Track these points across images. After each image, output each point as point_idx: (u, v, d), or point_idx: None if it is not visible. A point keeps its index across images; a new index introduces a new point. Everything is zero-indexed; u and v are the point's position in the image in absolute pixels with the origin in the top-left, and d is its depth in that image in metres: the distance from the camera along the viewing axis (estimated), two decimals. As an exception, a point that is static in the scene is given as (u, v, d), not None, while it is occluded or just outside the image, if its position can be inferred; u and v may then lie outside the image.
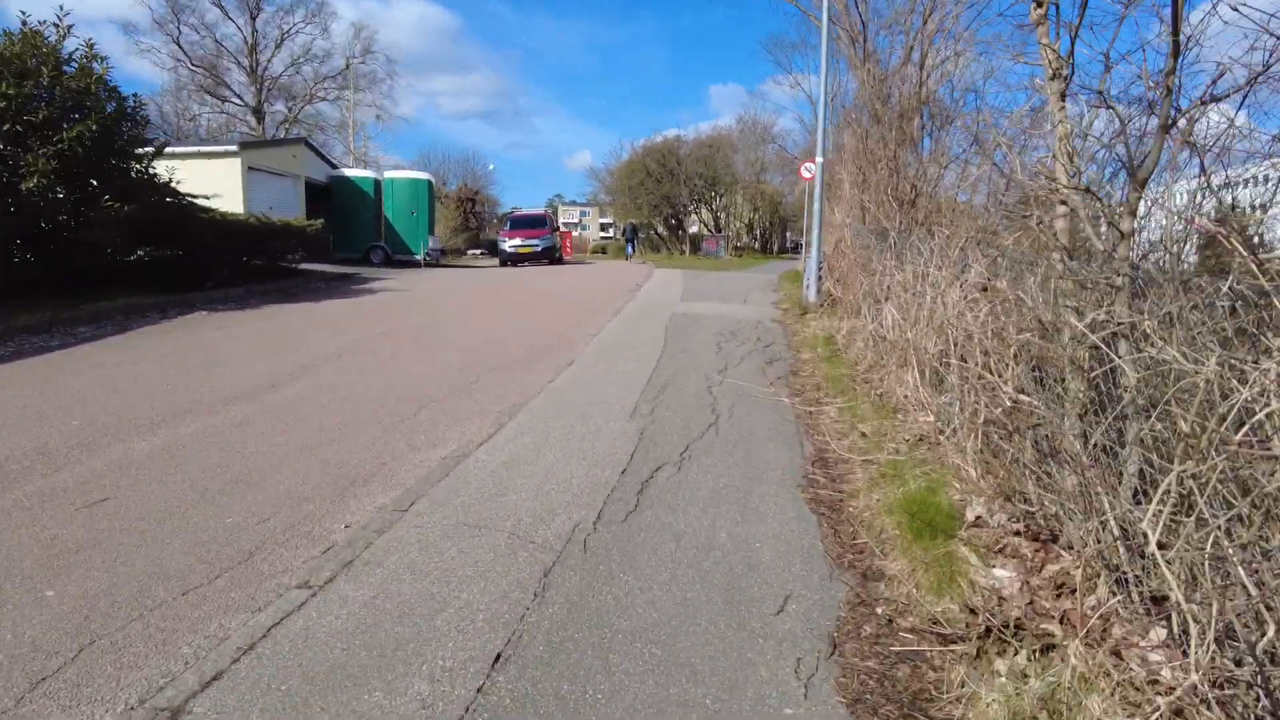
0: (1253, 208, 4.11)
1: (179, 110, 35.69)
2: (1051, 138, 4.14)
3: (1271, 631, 1.69)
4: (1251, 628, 1.90)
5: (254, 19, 36.17)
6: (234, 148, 19.26)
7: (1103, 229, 3.58)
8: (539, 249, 26.00)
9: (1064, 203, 3.26)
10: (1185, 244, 3.28)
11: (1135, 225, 2.87)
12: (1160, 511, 2.04)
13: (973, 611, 2.69)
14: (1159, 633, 2.18)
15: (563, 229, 50.39)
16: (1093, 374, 2.89)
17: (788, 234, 48.72)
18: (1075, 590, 2.75)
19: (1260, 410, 1.76)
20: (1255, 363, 1.84)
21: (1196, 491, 1.90)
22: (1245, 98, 3.07)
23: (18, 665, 2.36)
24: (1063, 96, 3.56)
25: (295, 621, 2.63)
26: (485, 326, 10.30)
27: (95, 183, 11.02)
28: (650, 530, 3.41)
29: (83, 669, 2.35)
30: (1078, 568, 2.82)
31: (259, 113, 36.66)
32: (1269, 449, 1.78)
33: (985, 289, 4.15)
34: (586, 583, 2.90)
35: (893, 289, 6.88)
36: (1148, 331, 2.13)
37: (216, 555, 3.19)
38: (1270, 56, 2.43)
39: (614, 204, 45.20)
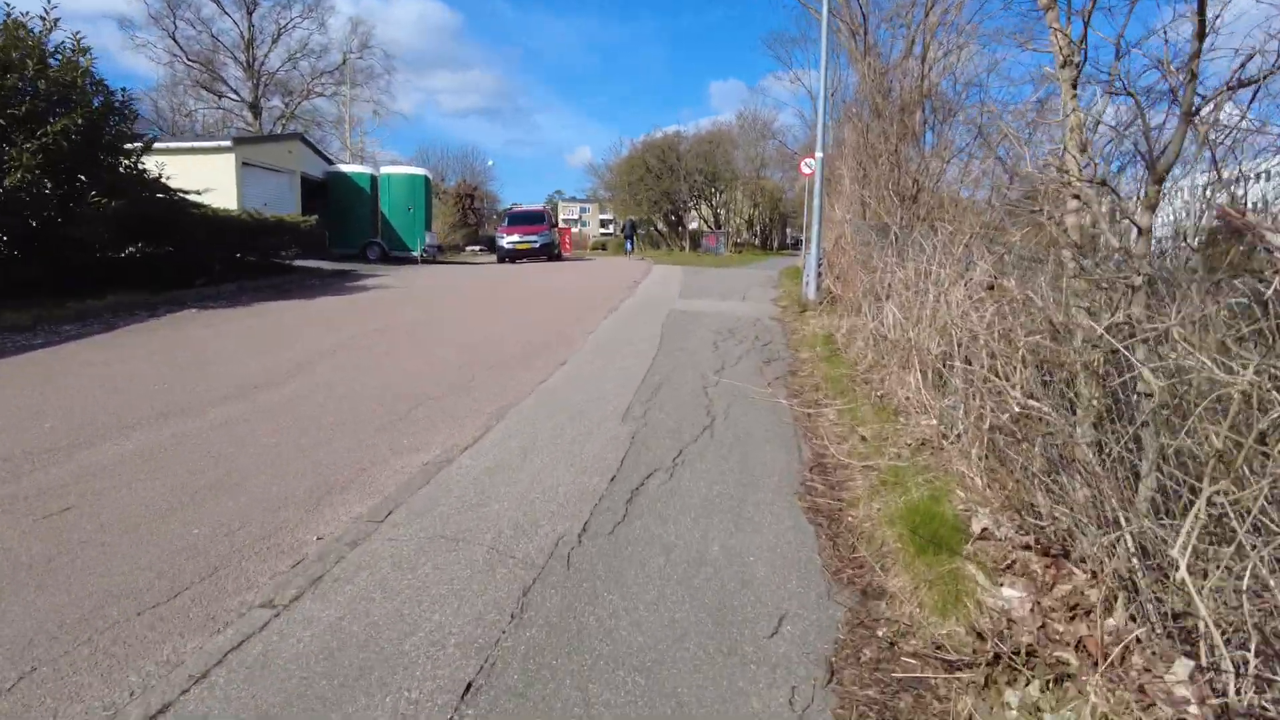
0: (1266, 202, 3.93)
1: (174, 106, 35.48)
2: (1060, 130, 3.95)
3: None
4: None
5: (250, 13, 35.92)
6: (228, 143, 19.05)
7: (1119, 225, 3.39)
8: (537, 245, 25.79)
9: (1077, 197, 3.08)
10: (1198, 240, 3.10)
11: (1153, 221, 2.69)
12: (1189, 533, 1.86)
13: (980, 636, 2.51)
14: (1184, 665, 2.00)
15: (562, 225, 50.25)
16: (1108, 380, 2.71)
17: (788, 230, 48.45)
18: (1090, 612, 2.58)
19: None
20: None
21: (1233, 516, 1.72)
22: (1257, 90, 2.89)
23: (-51, 697, 2.19)
24: (1074, 85, 3.37)
25: (254, 645, 2.46)
26: (480, 324, 10.12)
27: (84, 178, 10.84)
28: (639, 543, 3.24)
29: (18, 702, 2.17)
30: (1093, 587, 2.65)
31: (256, 108, 36.40)
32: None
33: (991, 287, 3.96)
34: (568, 603, 2.72)
35: (894, 287, 6.69)
36: (1175, 336, 1.95)
37: (179, 570, 3.01)
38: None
39: (614, 200, 44.92)
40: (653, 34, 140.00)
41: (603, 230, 63.60)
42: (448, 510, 3.55)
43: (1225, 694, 1.73)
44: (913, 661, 2.48)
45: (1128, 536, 2.71)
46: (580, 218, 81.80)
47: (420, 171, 25.23)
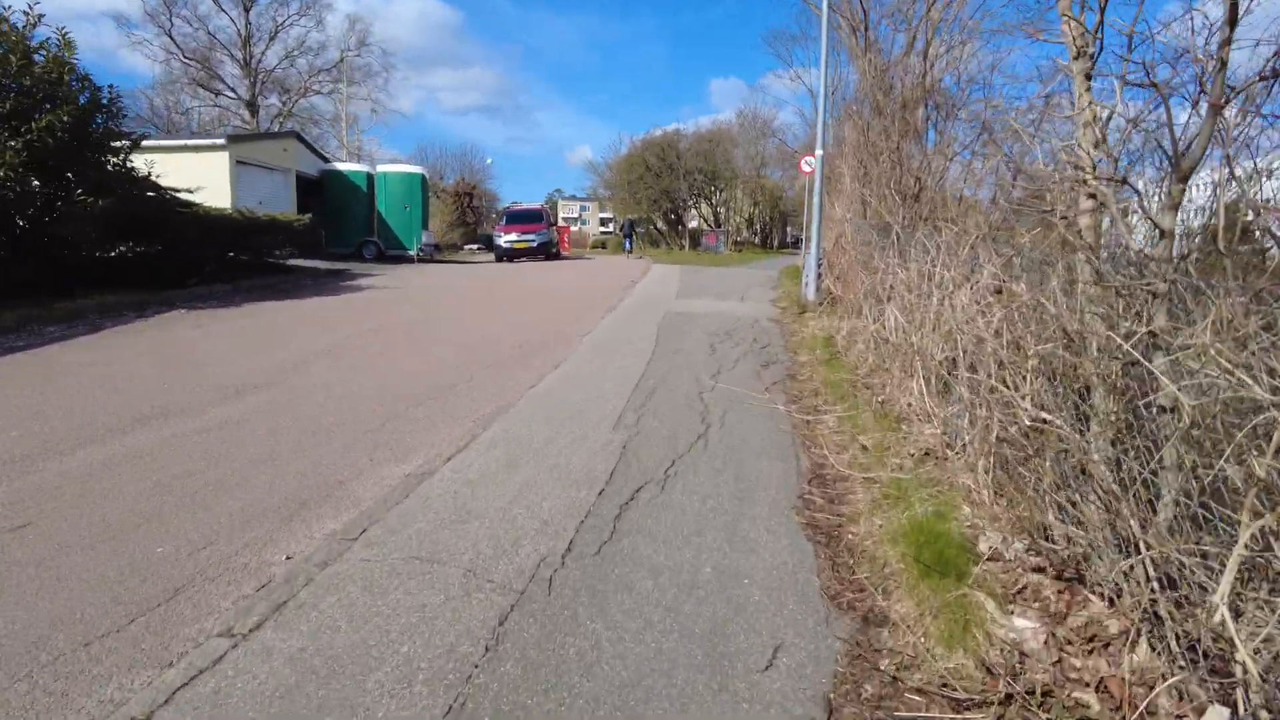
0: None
1: (169, 103, 35.24)
2: (1069, 125, 3.76)
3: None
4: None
5: (247, 11, 35.65)
6: (221, 141, 18.85)
7: (1134, 224, 3.20)
8: (535, 244, 25.60)
9: (1093, 196, 2.88)
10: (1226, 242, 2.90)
11: (1178, 222, 2.50)
12: (1232, 573, 1.67)
13: (990, 671, 2.32)
14: (1220, 714, 1.81)
15: (561, 224, 50.01)
16: (1128, 394, 2.52)
17: (788, 229, 48.25)
18: (1110, 644, 2.39)
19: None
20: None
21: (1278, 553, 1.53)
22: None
23: None
24: (1088, 77, 3.17)
25: (206, 682, 2.27)
26: (474, 325, 9.93)
27: (71, 177, 10.65)
28: (626, 564, 3.05)
29: (-60, 749, 1.99)
30: (1112, 617, 2.46)
31: (253, 106, 36.16)
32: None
33: (999, 291, 3.77)
34: (547, 633, 2.53)
35: (896, 288, 6.50)
36: (1211, 351, 1.76)
37: (136, 594, 2.83)
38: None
39: (613, 199, 44.71)
40: (653, 31, 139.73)
41: (602, 229, 63.36)
42: (425, 527, 3.36)
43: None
44: (917, 699, 2.30)
45: (1148, 562, 2.53)
46: (580, 216, 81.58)
47: (417, 170, 25.03)
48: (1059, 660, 2.30)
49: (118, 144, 11.08)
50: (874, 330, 6.83)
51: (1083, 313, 2.88)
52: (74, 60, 9.84)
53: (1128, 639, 2.36)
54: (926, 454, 4.39)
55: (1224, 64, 2.20)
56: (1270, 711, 1.64)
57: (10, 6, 9.57)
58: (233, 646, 2.46)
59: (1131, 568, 2.57)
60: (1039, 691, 2.17)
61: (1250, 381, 1.67)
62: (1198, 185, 3.36)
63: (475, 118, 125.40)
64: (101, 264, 12.12)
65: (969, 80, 9.63)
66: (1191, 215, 3.21)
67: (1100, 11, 2.91)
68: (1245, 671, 1.71)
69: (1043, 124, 4.18)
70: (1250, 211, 2.09)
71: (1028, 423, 3.09)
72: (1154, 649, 2.28)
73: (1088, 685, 2.15)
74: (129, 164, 11.37)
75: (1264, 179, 2.58)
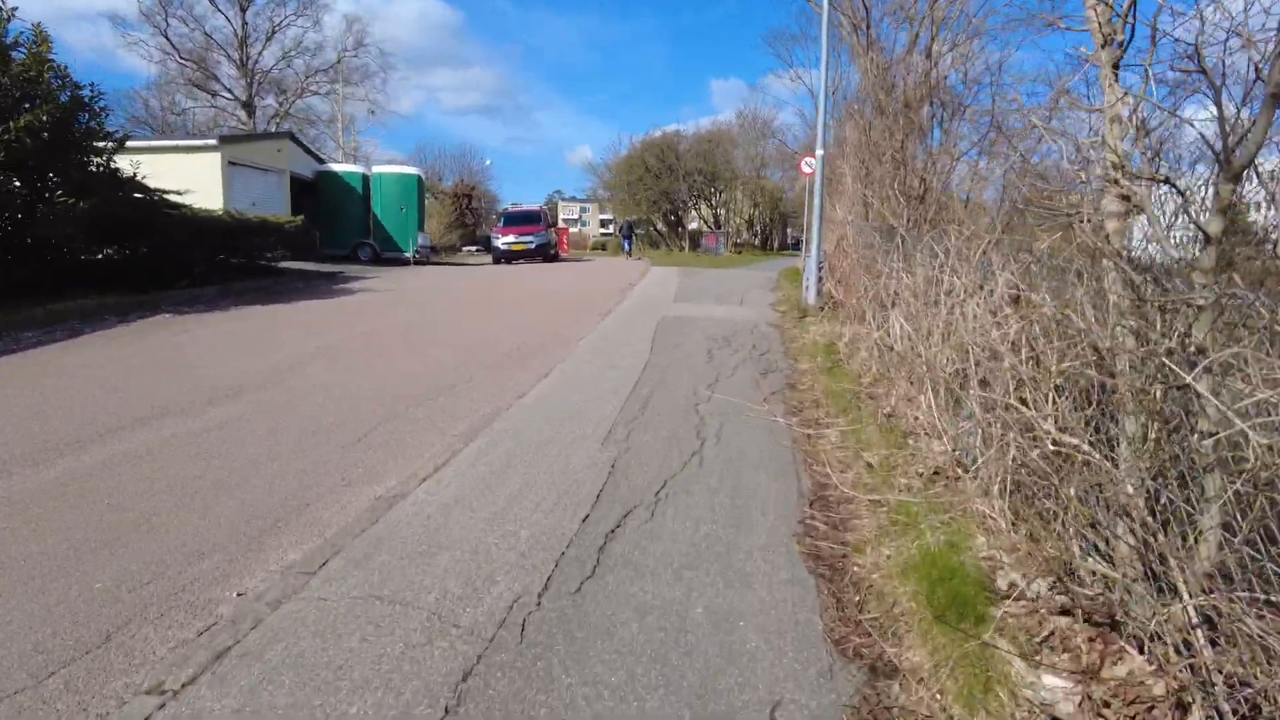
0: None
1: (164, 104, 34.99)
2: (1085, 123, 3.47)
3: None
4: None
5: (244, 11, 35.39)
6: (213, 142, 18.58)
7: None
8: (533, 246, 25.32)
9: (1126, 198, 2.60)
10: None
11: (1224, 227, 2.21)
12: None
13: (1019, 741, 2.04)
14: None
15: (561, 225, 49.73)
16: (1171, 422, 2.24)
17: (789, 230, 47.99)
18: (1154, 708, 2.11)
19: None
20: None
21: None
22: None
23: None
24: (1116, 67, 2.89)
25: (122, 753, 1.99)
26: (466, 330, 9.64)
27: (53, 177, 10.38)
28: (609, 604, 2.76)
29: None
30: (1154, 675, 2.18)
31: (249, 107, 35.90)
32: None
33: (1017, 301, 3.49)
34: (516, 690, 2.24)
35: (900, 294, 6.22)
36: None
37: (62, 639, 2.54)
38: None
39: (613, 200, 44.46)
40: (653, 31, 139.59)
41: (602, 230, 63.13)
42: (391, 560, 3.07)
43: None
44: (936, 772, 2.01)
45: (1191, 610, 2.25)
46: (580, 217, 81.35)
47: (413, 171, 24.77)
48: (1097, 729, 2.02)
49: (101, 144, 10.80)
50: (878, 337, 6.55)
51: (1113, 328, 2.60)
52: (52, 57, 9.56)
53: (1174, 701, 2.08)
54: (936, 473, 4.11)
55: (1286, 47, 1.92)
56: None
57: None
58: (159, 707, 2.17)
59: (1169, 617, 2.29)
60: (1076, 769, 1.89)
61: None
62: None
63: (475, 118, 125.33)
64: (88, 267, 11.85)
65: (974, 80, 9.36)
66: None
67: (1133, -8, 2.63)
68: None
69: (1058, 120, 3.90)
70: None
71: (1051, 447, 2.81)
72: None
73: (1134, 764, 1.87)
74: (113, 164, 11.10)
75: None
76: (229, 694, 2.23)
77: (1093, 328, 2.61)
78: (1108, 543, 2.63)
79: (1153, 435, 2.36)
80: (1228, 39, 2.03)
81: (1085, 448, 2.70)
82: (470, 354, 7.74)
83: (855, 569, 3.18)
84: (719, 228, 40.51)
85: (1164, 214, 2.75)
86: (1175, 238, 3.57)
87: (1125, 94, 2.59)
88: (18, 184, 9.91)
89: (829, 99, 12.50)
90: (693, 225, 41.57)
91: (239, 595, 2.87)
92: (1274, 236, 2.36)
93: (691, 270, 21.71)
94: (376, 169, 24.05)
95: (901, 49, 11.89)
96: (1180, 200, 2.25)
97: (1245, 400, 1.99)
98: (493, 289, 15.98)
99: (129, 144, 15.22)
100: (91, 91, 10.32)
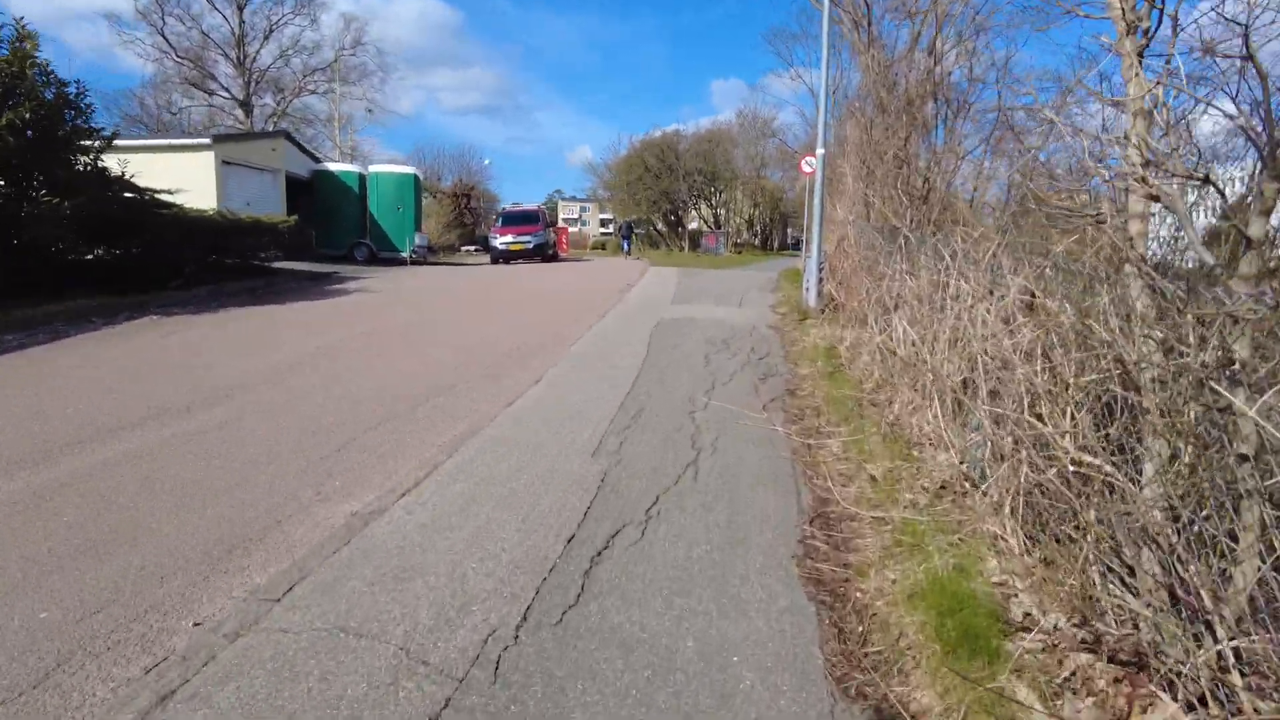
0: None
1: (160, 103, 34.77)
2: (1094, 119, 3.27)
3: None
4: None
5: (241, 10, 35.14)
6: (207, 140, 18.39)
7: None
8: (531, 246, 25.11)
9: (1155, 198, 2.39)
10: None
11: (1268, 231, 2.01)
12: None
13: (1043, 803, 1.83)
14: None
15: (561, 225, 49.48)
16: (1211, 446, 2.03)
17: (789, 230, 47.75)
18: (1191, 766, 1.90)
19: None
20: None
21: None
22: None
23: None
24: (1141, 56, 2.68)
25: (43, 817, 1.78)
26: (458, 332, 9.43)
27: (38, 176, 10.18)
28: (592, 638, 2.56)
29: None
30: (1191, 727, 1.97)
31: (246, 106, 35.67)
32: None
33: (1031, 308, 3.28)
34: (485, 740, 2.04)
35: (904, 297, 6.02)
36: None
37: (-2, 678, 2.34)
38: None
39: (613, 200, 44.23)
40: (653, 31, 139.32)
41: (602, 230, 62.89)
42: (360, 586, 2.87)
43: None
44: (950, 838, 1.81)
45: (1228, 653, 2.04)
46: (580, 217, 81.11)
47: (409, 170, 24.55)
48: (1130, 791, 1.81)
49: (88, 142, 10.59)
50: (880, 342, 6.34)
51: (1139, 339, 2.39)
52: (34, 47, 9.34)
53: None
54: (943, 488, 3.90)
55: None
56: None
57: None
58: (92, 759, 1.97)
59: (1204, 658, 2.08)
60: (1109, 840, 1.68)
61: None
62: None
63: (475, 118, 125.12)
64: (77, 267, 11.65)
65: (978, 79, 9.16)
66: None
67: (1160, -23, 2.42)
68: None
69: (1067, 117, 3.69)
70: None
71: (1071, 468, 2.60)
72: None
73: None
74: (100, 163, 10.89)
75: None
76: (170, 744, 2.02)
77: (1117, 339, 2.40)
78: (1132, 572, 2.42)
79: (1186, 458, 2.15)
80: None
81: (1108, 469, 2.50)
82: (458, 363, 7.53)
83: (858, 595, 2.98)
84: (719, 228, 40.29)
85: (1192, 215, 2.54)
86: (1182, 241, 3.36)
87: (1158, 82, 2.37)
88: (1, 183, 9.72)
89: (829, 97, 12.30)
90: (693, 225, 41.35)
91: (195, 625, 2.67)
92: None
93: (691, 270, 21.50)
94: (373, 168, 23.86)
95: (903, 46, 11.69)
96: (1220, 201, 2.04)
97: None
98: (488, 289, 15.77)
99: (122, 143, 15.05)
100: (77, 88, 10.12)
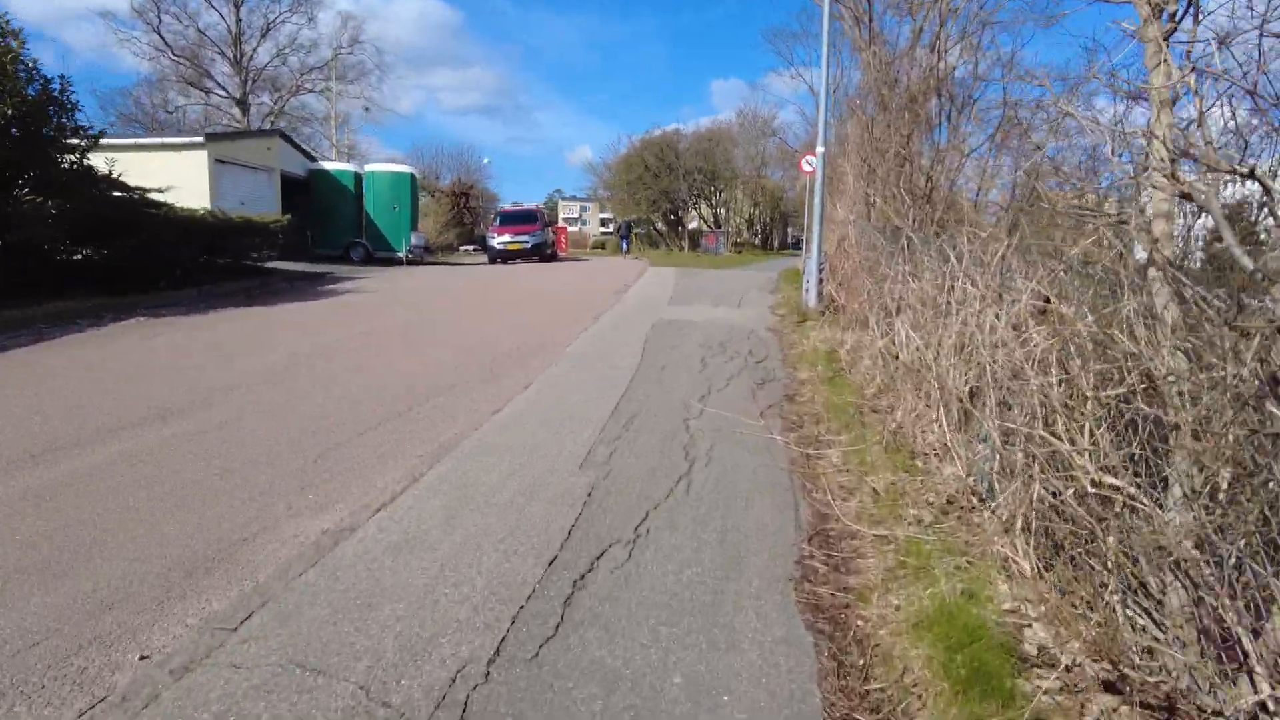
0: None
1: (156, 102, 34.56)
2: (1103, 114, 3.06)
3: None
4: None
5: (238, 8, 34.88)
6: (199, 139, 18.17)
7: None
8: (529, 246, 24.93)
9: (1187, 196, 2.18)
10: None
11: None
12: None
13: None
14: None
15: (560, 224, 49.25)
16: (1258, 473, 1.82)
17: (789, 230, 47.52)
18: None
19: None
20: None
21: None
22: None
23: None
24: (1166, 40, 2.48)
25: None
26: (452, 334, 9.23)
27: (25, 174, 9.98)
28: (570, 674, 2.35)
29: None
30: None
31: (243, 104, 35.43)
32: None
33: (1044, 313, 3.08)
34: (445, 799, 1.83)
35: (907, 300, 5.81)
36: None
37: (-82, 721, 2.13)
38: None
39: (612, 199, 44.02)
40: (653, 31, 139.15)
41: (602, 229, 62.70)
42: (323, 615, 2.66)
43: None
44: None
45: (1270, 702, 1.84)
46: (580, 216, 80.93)
47: (406, 169, 24.34)
48: None
49: (73, 141, 10.39)
50: (882, 346, 6.13)
51: (1168, 350, 2.19)
52: (20, 46, 9.15)
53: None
54: (949, 503, 3.69)
55: None
56: None
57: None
58: (6, 821, 1.76)
59: (1243, 707, 1.88)
60: None
61: None
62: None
63: (475, 118, 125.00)
64: (65, 268, 11.46)
65: (982, 76, 8.94)
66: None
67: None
68: None
69: (1073, 119, 3.49)
70: None
71: (1091, 489, 2.40)
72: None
73: None
74: (86, 161, 10.68)
75: None
76: (95, 803, 1.82)
77: (1143, 350, 2.20)
78: (1159, 605, 2.22)
79: (1224, 484, 1.94)
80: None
81: (1132, 490, 2.29)
82: (449, 366, 7.32)
83: (859, 623, 2.77)
84: (719, 227, 40.09)
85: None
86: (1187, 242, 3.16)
87: (1193, 67, 2.16)
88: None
89: (829, 95, 12.09)
90: (693, 224, 41.15)
91: (142, 659, 2.46)
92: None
93: (690, 270, 21.30)
94: (369, 167, 23.66)
95: (905, 42, 11.48)
96: (1266, 199, 1.83)
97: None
98: (486, 290, 15.57)
99: (114, 142, 14.86)
100: (61, 85, 9.91)
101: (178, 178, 14.95)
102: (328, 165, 23.57)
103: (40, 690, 2.30)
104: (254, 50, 35.60)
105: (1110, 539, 2.42)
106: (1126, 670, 2.09)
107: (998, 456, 3.43)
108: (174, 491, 3.85)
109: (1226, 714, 1.85)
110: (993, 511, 3.23)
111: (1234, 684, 1.93)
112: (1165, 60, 2.41)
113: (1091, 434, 2.51)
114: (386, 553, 3.14)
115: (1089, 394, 2.53)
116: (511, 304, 13.03)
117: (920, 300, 5.24)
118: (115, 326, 9.42)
